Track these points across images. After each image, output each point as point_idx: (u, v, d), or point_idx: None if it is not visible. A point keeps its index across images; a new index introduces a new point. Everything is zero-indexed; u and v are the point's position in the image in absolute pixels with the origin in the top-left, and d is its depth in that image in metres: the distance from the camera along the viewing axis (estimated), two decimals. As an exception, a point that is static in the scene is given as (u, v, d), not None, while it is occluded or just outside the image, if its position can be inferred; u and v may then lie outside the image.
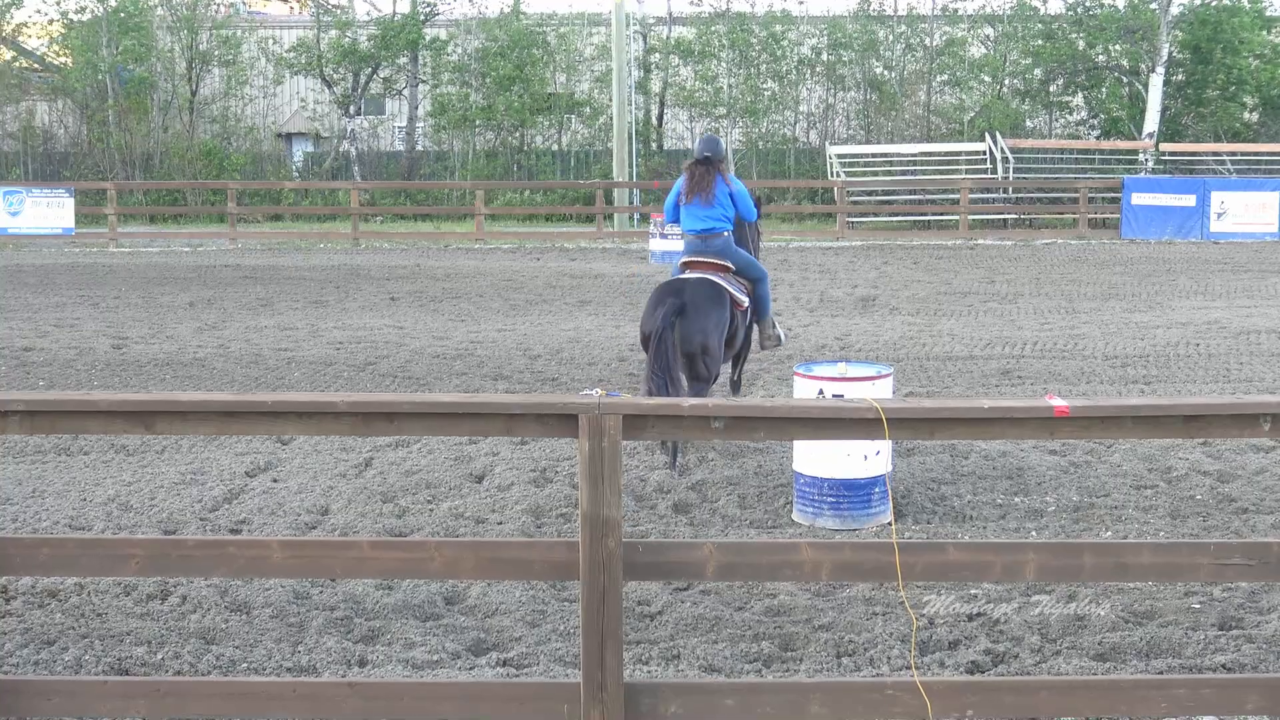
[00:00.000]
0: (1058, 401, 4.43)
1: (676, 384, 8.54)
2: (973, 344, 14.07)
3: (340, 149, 40.67)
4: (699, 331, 8.74)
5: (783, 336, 10.22)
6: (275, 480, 8.53)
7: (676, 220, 9.68)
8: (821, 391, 7.31)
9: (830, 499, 7.43)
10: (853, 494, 7.41)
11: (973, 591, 6.26)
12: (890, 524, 7.35)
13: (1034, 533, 7.37)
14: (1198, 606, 6.13)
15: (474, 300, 18.24)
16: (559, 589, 6.36)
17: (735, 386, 10.04)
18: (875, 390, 7.25)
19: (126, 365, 12.93)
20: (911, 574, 4.48)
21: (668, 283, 9.19)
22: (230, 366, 12.83)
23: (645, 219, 29.75)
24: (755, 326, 9.74)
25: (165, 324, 15.92)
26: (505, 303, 17.95)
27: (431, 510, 7.82)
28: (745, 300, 9.30)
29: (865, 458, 7.35)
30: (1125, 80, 38.11)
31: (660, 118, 41.37)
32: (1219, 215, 29.02)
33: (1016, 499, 7.96)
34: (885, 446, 7.40)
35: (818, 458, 7.40)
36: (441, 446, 9.30)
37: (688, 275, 9.16)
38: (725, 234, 9.37)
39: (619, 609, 4.39)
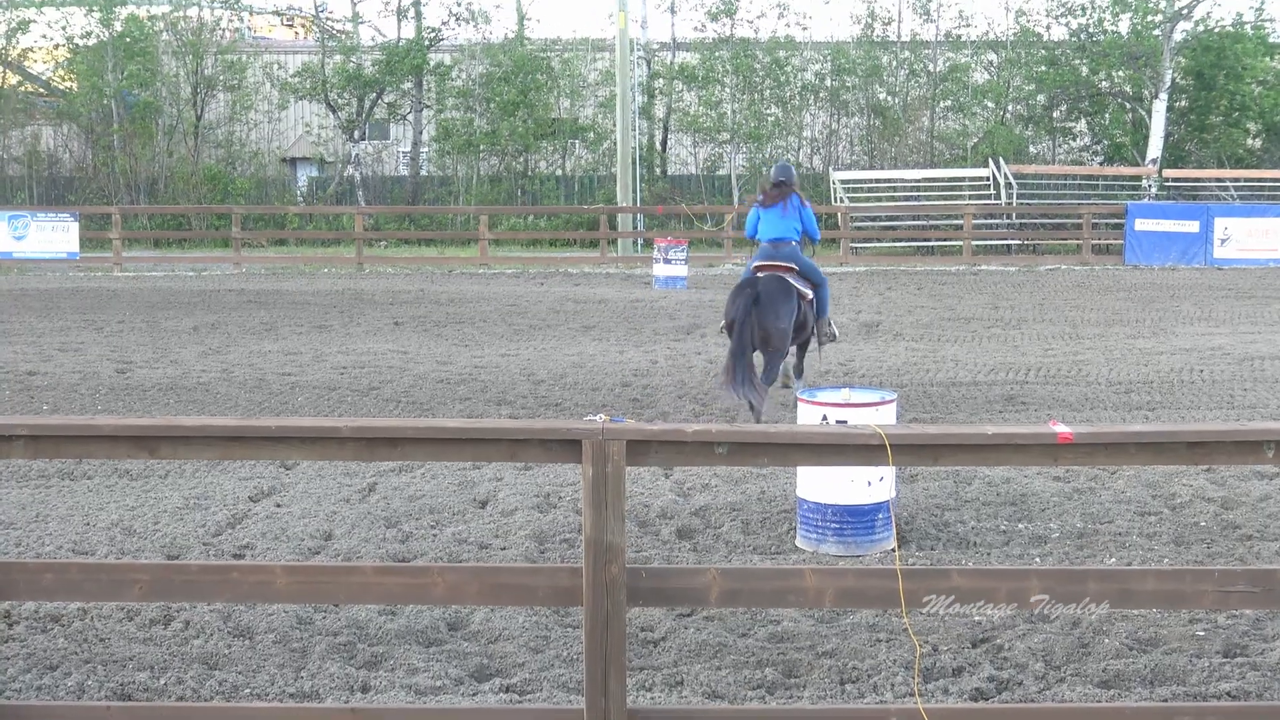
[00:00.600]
0: (1061, 428, 4.44)
1: (751, 363, 10.49)
2: (976, 370, 14.07)
3: (344, 174, 40.79)
4: (772, 315, 10.71)
5: (837, 333, 12.30)
6: (279, 505, 8.53)
7: (755, 234, 11.47)
8: (825, 417, 7.31)
9: (834, 525, 7.42)
10: (856, 520, 7.40)
11: (977, 618, 6.25)
12: (894, 550, 7.35)
13: (1038, 559, 7.36)
14: (1202, 634, 6.12)
15: (478, 325, 18.26)
16: (562, 615, 6.36)
17: (798, 371, 12.06)
18: (879, 416, 7.25)
19: (130, 390, 12.95)
20: (915, 600, 4.48)
21: (745, 279, 11.07)
22: (234, 391, 12.84)
23: (649, 244, 29.82)
24: (815, 329, 11.56)
25: (169, 348, 15.94)
26: (509, 328, 17.97)
27: (435, 536, 7.81)
28: (810, 294, 11.13)
29: (869, 484, 7.35)
30: (1128, 106, 38.20)
31: (664, 143, 41.50)
32: (1222, 241, 29.05)
33: (1020, 525, 7.95)
34: (889, 473, 7.40)
35: (821, 484, 7.40)
36: (445, 472, 9.30)
37: (761, 276, 10.96)
38: (793, 243, 11.24)
39: (622, 635, 4.39)
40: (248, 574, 4.57)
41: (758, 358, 10.94)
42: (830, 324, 11.78)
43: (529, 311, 19.97)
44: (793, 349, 11.59)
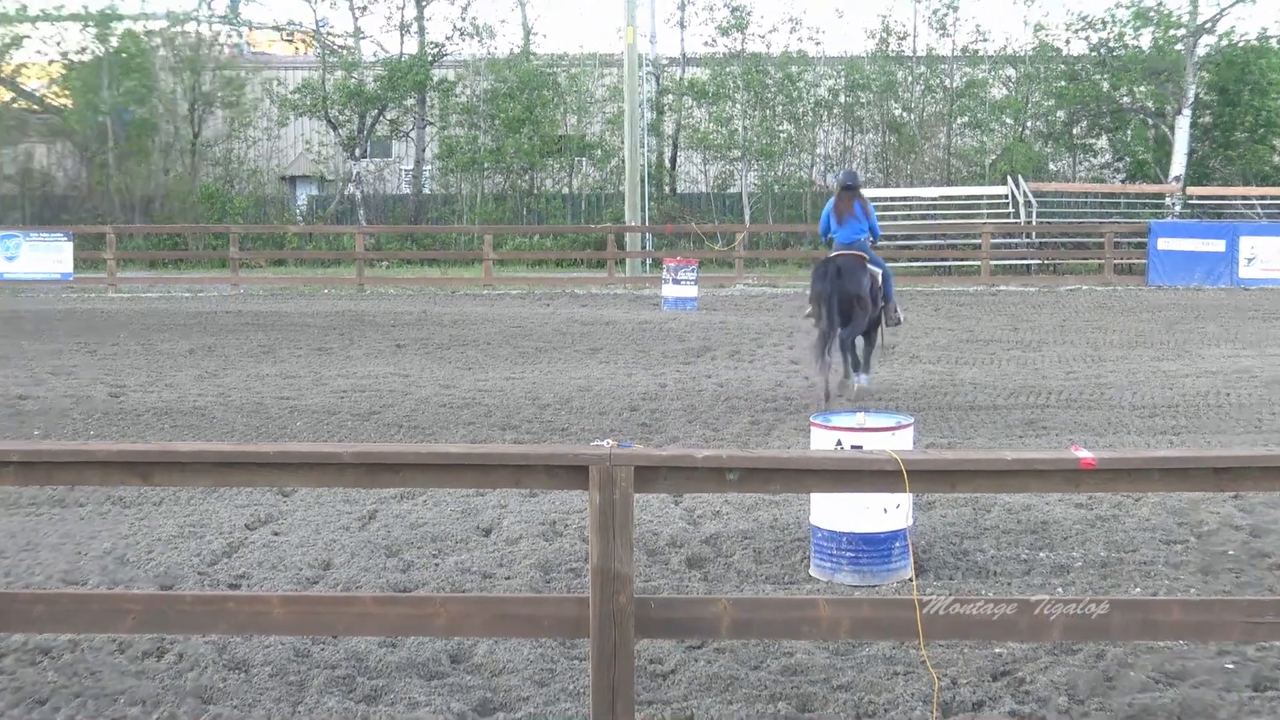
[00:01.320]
0: (1083, 453, 4.43)
1: (835, 326, 12.95)
2: (996, 393, 14.05)
3: (345, 192, 40.92)
4: (853, 285, 13.10)
5: (903, 317, 14.41)
6: (276, 533, 8.52)
7: (826, 234, 13.87)
8: (840, 442, 7.29)
9: (849, 554, 7.40)
10: (872, 549, 7.38)
11: (997, 650, 6.22)
12: (911, 580, 7.32)
13: (1060, 589, 7.33)
14: (1231, 667, 6.08)
15: (481, 347, 18.28)
16: (568, 647, 6.33)
17: (866, 365, 13.91)
18: (895, 441, 7.23)
19: (124, 414, 12.96)
20: (933, 632, 4.46)
21: (825, 259, 13.45)
22: (231, 416, 12.85)
23: (658, 264, 29.87)
24: (883, 311, 13.70)
25: (164, 372, 15.96)
26: (514, 350, 17.98)
27: (437, 565, 7.80)
28: (879, 273, 13.52)
29: (885, 511, 7.32)
30: (1151, 122, 38.22)
31: (673, 160, 41.61)
32: (1248, 260, 29.02)
33: (1041, 554, 7.93)
34: (905, 499, 7.38)
35: (836, 511, 7.38)
36: (448, 499, 9.29)
37: (839, 257, 13.28)
38: (862, 239, 13.57)
39: (630, 667, 4.37)
40: (244, 604, 4.56)
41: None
42: (896, 308, 13.93)
43: (534, 333, 19.99)
44: (859, 339, 13.75)
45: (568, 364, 16.62)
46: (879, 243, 14.58)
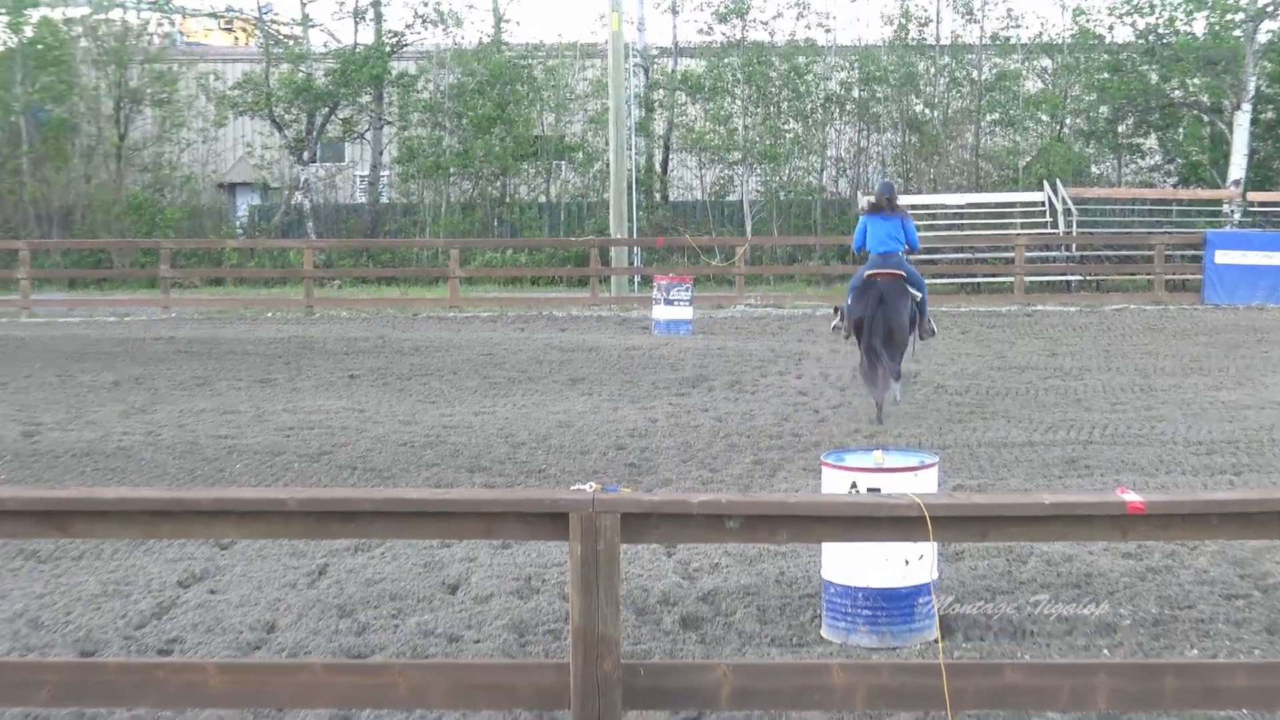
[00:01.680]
0: (1131, 496, 4.44)
1: (881, 352, 14.12)
2: (1032, 428, 14.08)
3: (292, 201, 40.95)
4: (895, 312, 14.26)
5: (935, 329, 15.75)
6: (213, 591, 8.50)
7: (863, 246, 14.88)
8: (854, 485, 7.30)
9: (865, 612, 7.39)
10: (892, 606, 7.37)
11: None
12: (937, 641, 7.32)
13: (1106, 651, 7.33)
14: (1301, 738, 6.09)
15: (447, 378, 18.29)
16: (546, 720, 6.32)
17: (897, 374, 14.75)
18: (917, 483, 7.24)
19: (39, 456, 12.93)
20: (962, 701, 4.46)
21: (866, 282, 14.43)
22: (161, 457, 12.83)
23: (647, 282, 29.92)
24: (919, 321, 14.89)
25: (85, 407, 15.94)
26: (484, 381, 17.99)
27: (396, 627, 7.78)
28: (919, 295, 14.69)
29: (906, 563, 7.32)
30: (1206, 119, 38.41)
31: (665, 164, 41.73)
32: (1318, 275, 29.13)
33: (1085, 611, 7.93)
34: (930, 550, 7.37)
35: (850, 564, 7.38)
36: (409, 551, 9.28)
37: (879, 279, 14.35)
38: (899, 252, 14.62)
39: (617, 744, 4.36)
40: (175, 673, 4.55)
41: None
42: (930, 321, 15.31)
43: (507, 362, 20.00)
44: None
45: (545, 396, 16.63)
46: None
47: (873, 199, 15.55)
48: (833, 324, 16.26)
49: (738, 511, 4.46)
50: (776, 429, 14.16)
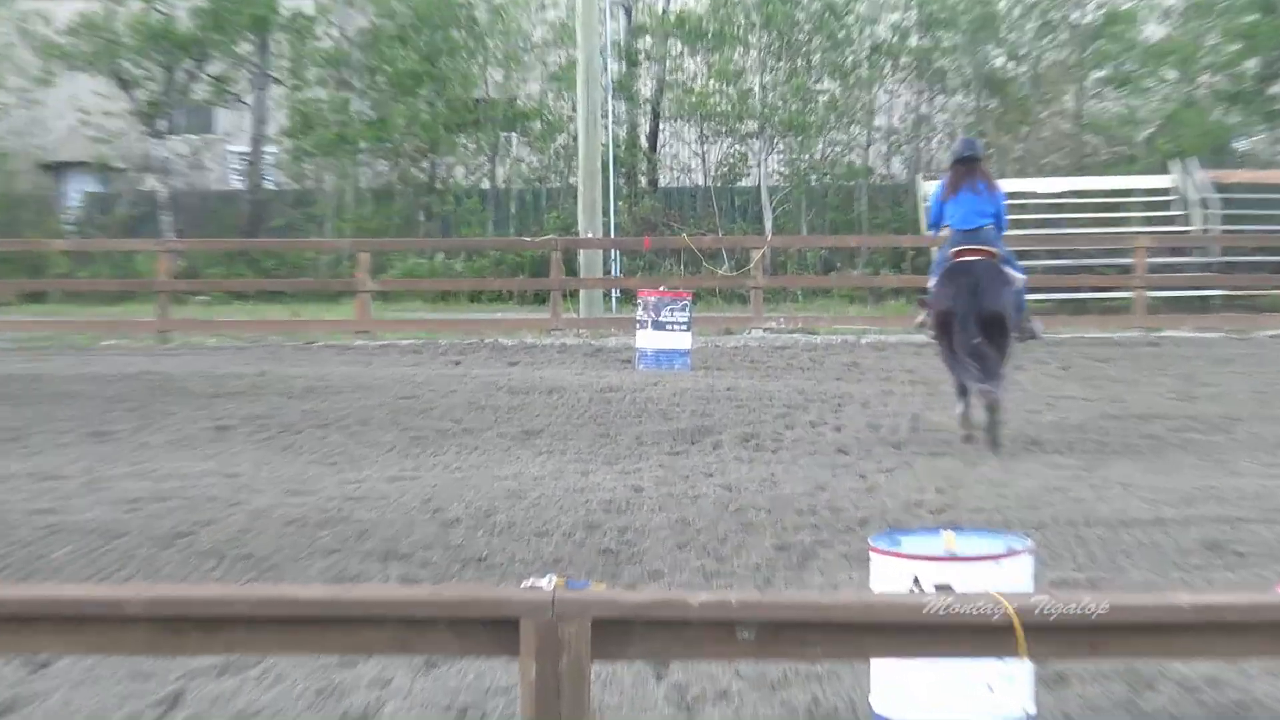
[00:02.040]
0: (1300, 596, 4.42)
1: (981, 355, 14.79)
2: (1160, 499, 14.09)
3: (143, 187, 41.00)
4: (993, 299, 14.80)
5: (1038, 329, 16.65)
6: (24, 728, 8.46)
7: (939, 222, 15.89)
8: (916, 580, 7.28)
9: (933, 757, 7.37)
10: (969, 748, 7.36)
11: None
12: (1030, 797, 7.30)
13: (1266, 810, 7.31)
14: None
15: (353, 431, 18.28)
16: None
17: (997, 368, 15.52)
18: (1003, 577, 7.22)
19: None
20: None
21: (954, 264, 15.03)
22: (-44, 539, 12.80)
23: (629, 298, 29.95)
24: (1016, 319, 15.49)
25: None
26: (403, 434, 17.98)
27: (279, 777, 7.75)
28: (1019, 279, 15.32)
29: (990, 689, 7.30)
30: (1394, 77, 38.72)
31: (653, 136, 41.92)
32: None
33: (1236, 754, 7.92)
34: (1023, 671, 7.36)
35: (912, 690, 7.35)
36: (297, 673, 9.22)
37: (969, 258, 14.93)
38: (989, 227, 15.28)
39: None
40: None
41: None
42: (1029, 318, 16.02)
43: (436, 408, 20.01)
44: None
45: (488, 456, 16.61)
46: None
47: (958, 154, 16.15)
48: (918, 319, 16.86)
49: (754, 616, 4.43)
50: (808, 501, 14.12)
